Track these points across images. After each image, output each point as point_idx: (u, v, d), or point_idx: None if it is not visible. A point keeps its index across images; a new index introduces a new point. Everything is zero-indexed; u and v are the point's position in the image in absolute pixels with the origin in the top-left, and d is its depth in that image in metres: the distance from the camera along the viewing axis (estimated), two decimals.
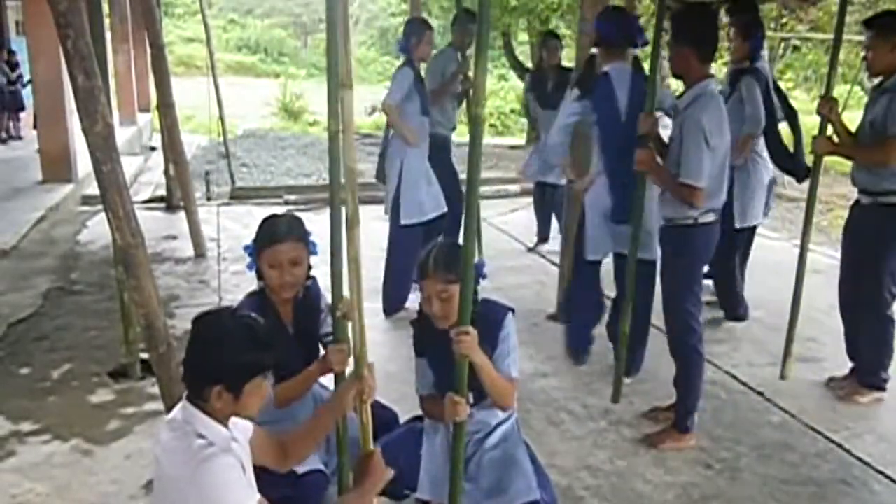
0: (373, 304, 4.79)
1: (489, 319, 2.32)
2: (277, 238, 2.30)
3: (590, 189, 3.63)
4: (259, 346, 1.63)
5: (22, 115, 12.27)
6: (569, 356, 4.07)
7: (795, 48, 15.77)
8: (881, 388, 3.70)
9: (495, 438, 2.42)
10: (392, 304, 4.73)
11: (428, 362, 2.44)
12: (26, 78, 11.89)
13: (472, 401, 2.26)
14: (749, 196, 4.34)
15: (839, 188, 10.56)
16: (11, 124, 12.09)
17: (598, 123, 3.46)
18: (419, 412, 2.55)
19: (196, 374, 1.62)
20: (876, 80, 3.61)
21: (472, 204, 1.98)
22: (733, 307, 4.67)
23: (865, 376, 3.72)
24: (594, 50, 3.62)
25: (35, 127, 10.71)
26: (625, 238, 3.43)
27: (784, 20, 13.62)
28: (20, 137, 11.79)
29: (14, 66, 12.33)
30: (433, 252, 2.29)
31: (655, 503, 2.82)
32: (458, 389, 2.09)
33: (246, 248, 2.41)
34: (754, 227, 4.56)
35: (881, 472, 3.07)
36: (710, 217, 3.16)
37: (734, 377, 3.90)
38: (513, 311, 2.42)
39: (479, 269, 2.26)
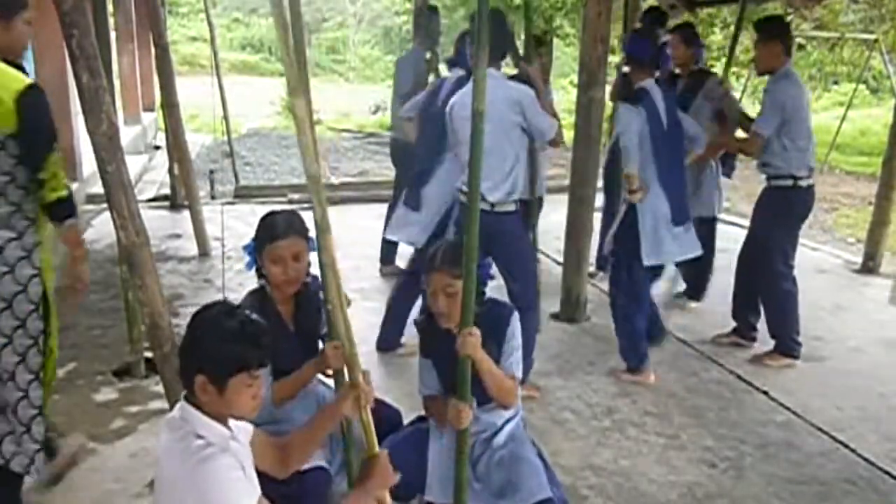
0: (373, 304, 4.78)
1: (495, 318, 2.34)
2: (279, 234, 2.32)
3: (644, 197, 3.66)
4: (246, 341, 1.60)
5: None
6: (631, 374, 3.81)
7: (801, 47, 15.71)
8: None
9: (502, 438, 2.41)
10: None
11: (433, 363, 2.44)
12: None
13: (476, 404, 2.28)
14: (710, 189, 4.66)
15: (845, 187, 10.52)
16: None
17: (649, 135, 3.60)
18: (423, 411, 2.55)
19: (183, 364, 1.63)
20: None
21: (474, 205, 1.99)
22: (698, 291, 4.94)
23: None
24: (626, 69, 3.88)
25: None
26: (683, 239, 3.70)
27: (789, 18, 13.57)
28: None
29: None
30: (442, 246, 2.34)
31: (659, 502, 2.81)
32: (461, 393, 2.13)
33: (245, 247, 2.43)
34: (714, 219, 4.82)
35: (886, 472, 3.06)
36: (809, 181, 3.86)
37: (738, 376, 3.90)
38: (517, 310, 2.45)
39: (486, 269, 2.33)
